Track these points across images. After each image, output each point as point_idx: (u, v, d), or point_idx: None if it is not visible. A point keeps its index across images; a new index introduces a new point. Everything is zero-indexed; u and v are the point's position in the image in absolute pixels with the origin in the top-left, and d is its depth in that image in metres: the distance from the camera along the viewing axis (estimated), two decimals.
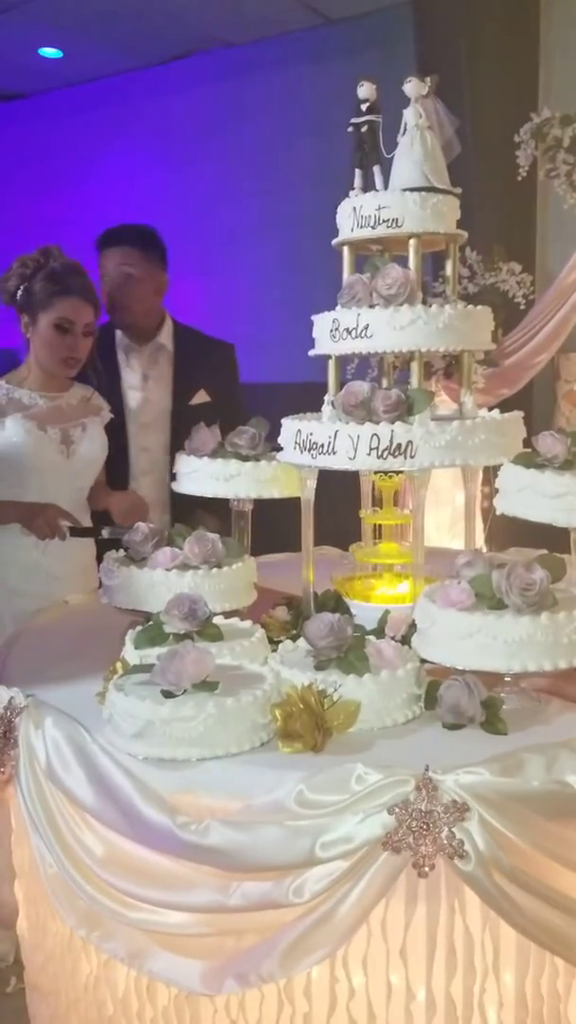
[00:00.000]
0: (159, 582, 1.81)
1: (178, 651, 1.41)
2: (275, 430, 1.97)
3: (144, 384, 3.02)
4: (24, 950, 1.73)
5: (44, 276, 2.43)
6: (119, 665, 1.56)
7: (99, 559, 2.04)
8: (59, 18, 4.44)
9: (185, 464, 2.07)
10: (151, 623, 1.67)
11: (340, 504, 2.19)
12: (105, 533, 2.40)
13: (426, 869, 1.22)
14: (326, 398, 1.93)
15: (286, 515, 2.08)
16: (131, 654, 1.62)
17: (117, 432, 2.78)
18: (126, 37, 4.68)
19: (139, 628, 1.69)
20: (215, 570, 1.84)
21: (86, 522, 2.56)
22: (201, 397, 3.01)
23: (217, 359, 3.13)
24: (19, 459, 2.43)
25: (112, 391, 2.85)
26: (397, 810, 1.22)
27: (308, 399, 2.07)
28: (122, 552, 1.95)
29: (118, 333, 3.02)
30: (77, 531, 2.41)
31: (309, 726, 1.37)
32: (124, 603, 1.87)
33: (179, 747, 1.36)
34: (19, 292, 2.45)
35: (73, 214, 5.46)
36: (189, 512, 2.61)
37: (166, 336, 3.04)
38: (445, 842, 1.21)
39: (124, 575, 1.86)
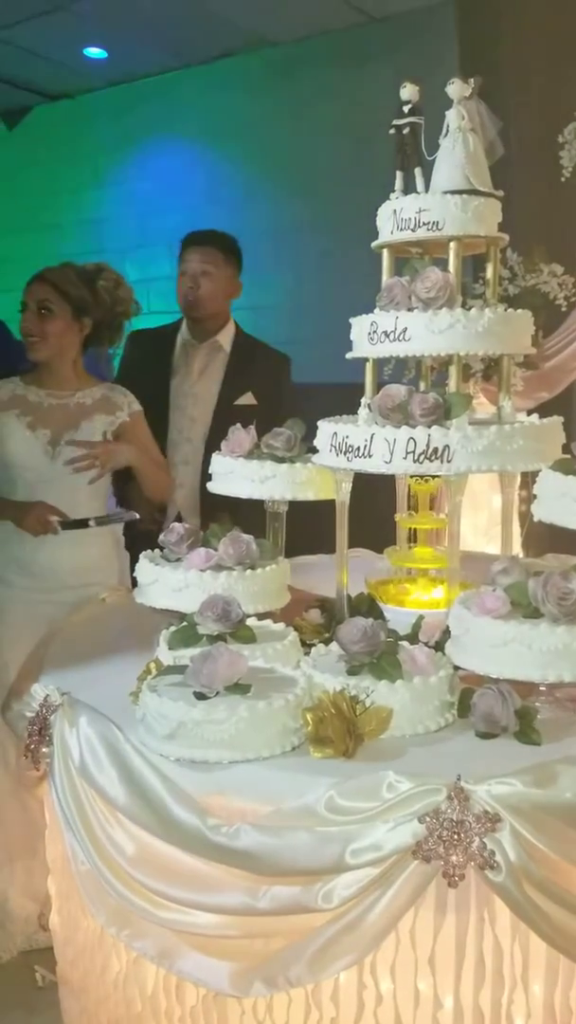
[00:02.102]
0: (193, 583, 1.82)
1: (211, 653, 1.42)
2: (311, 432, 1.97)
3: (198, 380, 3.14)
4: (56, 945, 1.75)
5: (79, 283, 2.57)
6: (153, 665, 1.57)
7: (133, 558, 2.06)
8: (105, 19, 4.47)
9: (220, 464, 2.07)
10: (184, 624, 1.67)
11: (375, 507, 2.18)
12: (92, 523, 2.51)
13: (456, 879, 1.21)
14: (363, 401, 1.93)
15: (319, 517, 2.07)
16: (165, 654, 1.63)
17: (163, 423, 2.89)
18: (171, 37, 4.70)
19: (173, 628, 1.70)
20: (249, 571, 1.84)
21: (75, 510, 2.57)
22: (248, 399, 3.10)
23: (269, 366, 3.23)
24: (7, 457, 2.49)
25: (159, 385, 3.01)
26: (428, 819, 1.21)
27: (345, 401, 2.07)
28: (157, 551, 1.96)
29: (183, 329, 3.17)
30: (68, 524, 2.47)
31: (341, 732, 1.37)
32: (158, 603, 1.88)
33: (210, 749, 1.37)
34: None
35: (116, 213, 5.51)
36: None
37: (225, 337, 3.16)
38: (476, 852, 1.20)
39: (158, 575, 1.86)
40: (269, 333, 5.19)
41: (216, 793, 1.35)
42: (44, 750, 1.53)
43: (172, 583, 1.83)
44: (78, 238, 5.52)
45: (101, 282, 2.58)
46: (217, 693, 1.40)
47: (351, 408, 1.95)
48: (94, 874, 1.44)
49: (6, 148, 6.11)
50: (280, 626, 1.78)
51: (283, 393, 3.23)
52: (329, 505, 1.96)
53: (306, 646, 1.73)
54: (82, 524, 2.51)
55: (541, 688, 1.52)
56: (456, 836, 1.21)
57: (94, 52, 4.96)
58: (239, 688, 1.41)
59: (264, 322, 5.23)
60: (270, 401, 3.05)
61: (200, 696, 1.40)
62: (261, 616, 1.81)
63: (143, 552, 1.98)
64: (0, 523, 2.50)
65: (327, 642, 1.71)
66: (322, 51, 4.79)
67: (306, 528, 2.25)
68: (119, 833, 1.39)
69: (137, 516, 2.58)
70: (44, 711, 1.56)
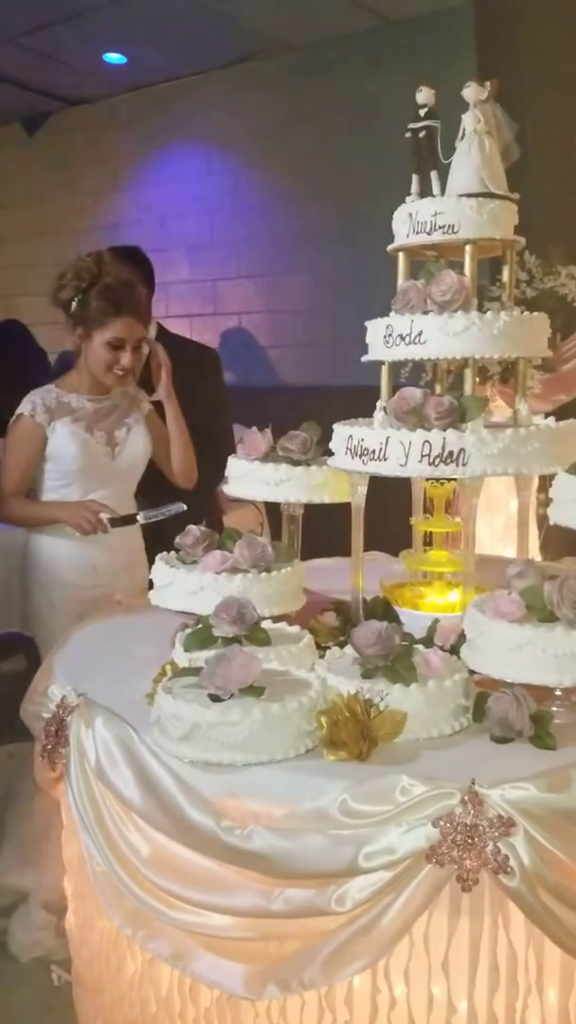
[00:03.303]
0: (208, 585, 1.82)
1: (225, 655, 1.42)
2: (326, 434, 1.97)
3: None
4: (72, 945, 1.76)
5: (99, 293, 2.47)
6: (168, 667, 1.57)
7: (150, 559, 2.08)
8: (124, 25, 4.49)
9: (236, 467, 2.08)
10: (200, 626, 1.68)
11: (390, 510, 2.18)
12: (140, 518, 2.50)
13: (470, 883, 1.21)
14: (378, 404, 1.93)
15: (334, 519, 2.08)
16: (180, 656, 1.64)
17: None
18: (189, 42, 4.72)
19: (188, 630, 1.71)
20: (264, 574, 1.84)
21: (124, 507, 2.60)
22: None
23: (194, 363, 3.14)
24: (68, 463, 2.50)
25: None
26: (442, 823, 1.21)
27: (359, 403, 2.07)
28: (173, 553, 1.97)
29: None
30: (117, 521, 2.48)
31: (355, 735, 1.37)
32: (174, 604, 1.89)
33: (224, 751, 1.37)
34: (73, 304, 2.50)
35: (135, 217, 5.53)
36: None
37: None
38: (490, 857, 1.20)
39: (174, 577, 1.87)
40: (286, 336, 5.23)
41: (230, 795, 1.35)
42: (61, 751, 1.54)
43: (188, 585, 1.84)
44: (97, 243, 5.55)
45: None
46: (231, 695, 1.41)
47: (366, 411, 1.96)
48: (109, 875, 1.45)
49: (26, 154, 6.15)
50: (295, 629, 1.78)
51: (212, 389, 3.22)
52: (343, 507, 1.97)
53: (321, 649, 1.73)
54: (131, 520, 2.52)
55: (556, 692, 1.51)
56: (470, 840, 1.20)
57: (114, 57, 4.98)
58: (253, 690, 1.42)
59: (281, 325, 5.26)
60: (198, 397, 2.95)
61: (214, 698, 1.40)
62: (276, 619, 1.82)
63: (159, 554, 1.99)
64: (54, 527, 2.52)
65: (342, 645, 1.71)
66: (339, 55, 4.79)
67: (320, 530, 2.26)
68: (134, 834, 1.40)
69: (184, 507, 2.55)
70: (61, 712, 1.57)
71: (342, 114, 4.79)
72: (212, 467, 2.73)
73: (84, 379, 2.57)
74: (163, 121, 5.40)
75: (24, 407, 2.51)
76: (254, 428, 2.09)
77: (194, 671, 1.48)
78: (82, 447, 2.51)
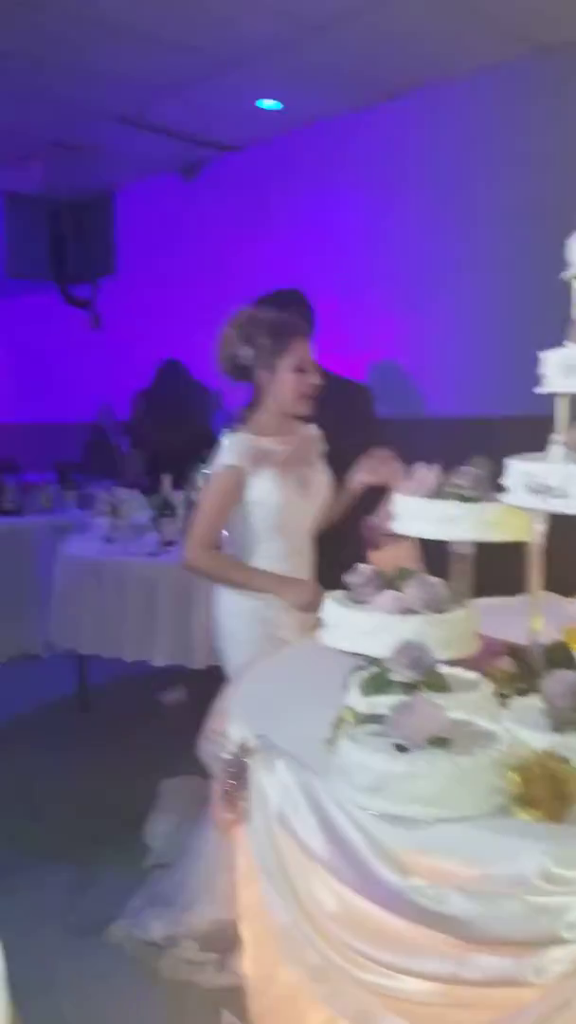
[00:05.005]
0: (381, 626, 1.78)
1: (411, 704, 1.38)
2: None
3: None
4: (249, 992, 1.74)
5: (266, 331, 2.54)
6: (347, 712, 1.54)
7: None
8: (278, 71, 4.60)
9: (404, 505, 2.03)
10: (377, 670, 1.64)
11: (562, 547, 2.08)
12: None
13: None
14: (553, 437, 1.84)
15: (485, 555, 2.00)
16: (357, 700, 1.60)
17: None
18: (342, 82, 4.78)
19: (363, 673, 1.68)
20: (437, 616, 1.79)
21: (310, 550, 2.65)
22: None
23: (343, 397, 3.14)
24: (272, 509, 2.51)
25: None
26: None
27: (519, 435, 1.99)
28: (342, 592, 1.95)
29: None
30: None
31: (550, 793, 1.29)
32: (345, 645, 1.86)
33: (412, 805, 1.32)
34: (245, 354, 2.55)
35: (287, 256, 5.62)
36: None
37: None
38: None
39: (345, 617, 1.84)
40: (433, 367, 5.16)
41: (419, 851, 1.30)
42: (241, 794, 1.53)
43: (360, 626, 1.80)
44: (254, 283, 5.69)
45: None
46: (418, 746, 1.36)
47: (529, 442, 1.88)
48: (293, 927, 1.42)
49: (183, 199, 6.39)
50: (472, 675, 1.71)
51: (360, 423, 3.19)
52: (494, 544, 1.89)
53: (498, 696, 1.66)
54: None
55: None
56: None
57: (268, 104, 5.10)
58: (441, 742, 1.36)
59: (429, 357, 5.20)
60: (347, 432, 2.93)
61: (401, 748, 1.36)
62: (450, 663, 1.75)
63: (329, 593, 1.97)
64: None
65: (522, 693, 1.64)
66: (490, 83, 4.73)
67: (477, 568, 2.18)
68: (320, 886, 1.37)
69: None
70: (240, 754, 1.56)
71: (497, 144, 4.72)
72: (364, 503, 2.73)
73: (272, 421, 2.59)
74: (314, 161, 5.48)
75: (228, 457, 2.50)
76: (421, 463, 2.05)
77: (377, 718, 1.44)
78: (284, 492, 2.53)
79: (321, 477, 2.64)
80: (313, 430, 2.70)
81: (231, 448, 2.50)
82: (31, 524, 5.54)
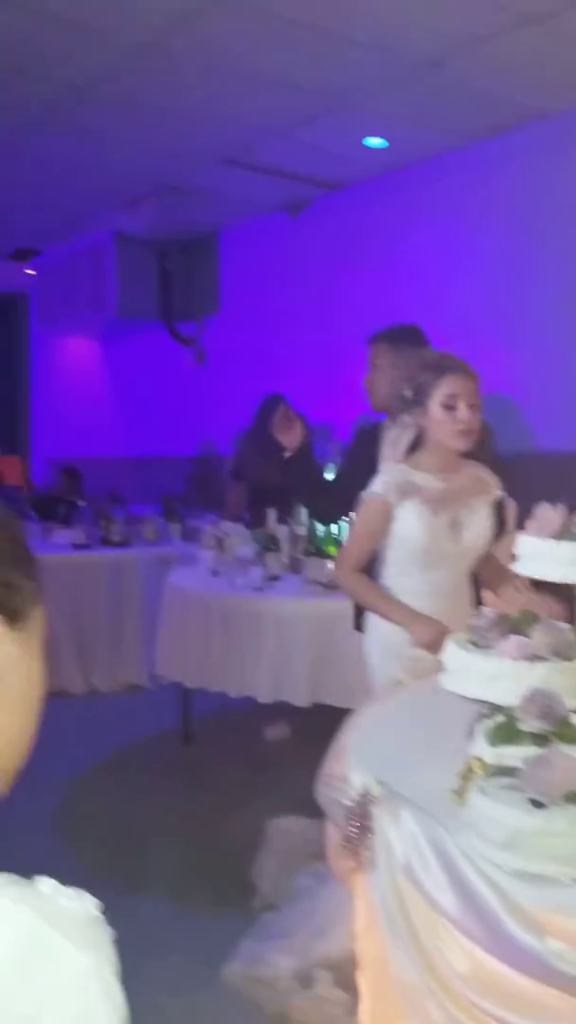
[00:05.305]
0: (507, 673, 1.73)
1: (548, 758, 1.33)
2: None
3: (387, 457, 3.14)
4: None
5: (420, 367, 2.62)
6: (475, 763, 1.50)
7: None
8: (386, 108, 4.64)
9: (528, 546, 1.98)
10: (505, 719, 1.59)
11: None
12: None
13: None
14: None
15: None
16: (484, 750, 1.55)
17: None
18: (446, 118, 4.79)
19: (489, 721, 1.62)
20: (566, 663, 1.72)
21: (466, 595, 2.64)
22: None
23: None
24: (412, 543, 2.55)
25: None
26: None
27: None
28: (464, 635, 1.90)
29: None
30: None
31: None
32: (468, 691, 1.81)
33: (550, 863, 1.27)
34: (409, 394, 2.63)
35: (392, 291, 5.62)
36: None
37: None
38: None
39: (469, 661, 1.80)
40: (539, 400, 5.06)
41: (556, 912, 1.24)
42: (365, 843, 1.49)
43: (484, 672, 1.75)
44: (357, 319, 5.71)
45: None
46: (554, 802, 1.30)
47: None
48: (417, 983, 1.37)
49: (286, 237, 6.48)
50: None
51: (489, 461, 3.14)
52: None
53: None
54: None
55: None
56: None
57: (374, 142, 5.14)
58: None
59: (536, 390, 5.10)
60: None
61: (537, 804, 1.30)
62: None
63: (451, 636, 1.92)
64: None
65: None
66: None
67: None
68: (449, 944, 1.32)
69: None
70: (364, 801, 1.53)
71: None
72: None
73: (433, 457, 2.61)
74: (418, 197, 5.49)
75: (377, 485, 2.57)
76: (544, 503, 2.00)
77: (508, 771, 1.39)
78: (427, 528, 2.53)
79: (480, 521, 2.61)
80: (486, 473, 2.68)
81: (381, 477, 2.60)
82: (137, 556, 5.66)
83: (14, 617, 0.69)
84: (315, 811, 2.09)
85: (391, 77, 4.25)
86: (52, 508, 6.96)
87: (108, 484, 7.21)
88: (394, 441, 3.15)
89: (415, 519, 2.53)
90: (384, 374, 3.19)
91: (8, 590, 0.69)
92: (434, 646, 2.42)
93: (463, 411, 2.55)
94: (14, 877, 0.63)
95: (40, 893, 0.62)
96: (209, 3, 3.56)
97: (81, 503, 6.16)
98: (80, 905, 0.63)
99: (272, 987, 2.39)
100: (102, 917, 0.65)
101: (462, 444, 2.59)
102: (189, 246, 7.25)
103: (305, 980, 2.38)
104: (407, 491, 2.55)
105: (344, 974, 2.26)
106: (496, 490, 2.67)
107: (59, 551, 5.64)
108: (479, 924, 1.28)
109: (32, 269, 8.01)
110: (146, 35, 3.83)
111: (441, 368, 2.58)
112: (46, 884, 0.63)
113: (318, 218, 6.26)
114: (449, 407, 2.55)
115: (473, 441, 2.59)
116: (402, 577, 2.58)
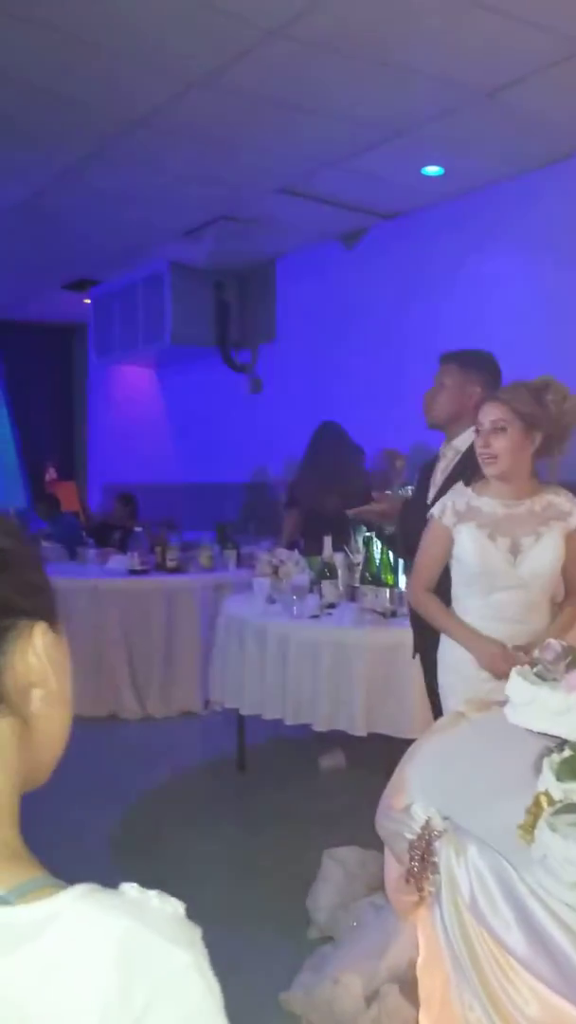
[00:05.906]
0: (573, 707, 1.70)
1: None
2: None
3: (439, 481, 3.15)
4: None
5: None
6: (543, 799, 1.46)
7: None
8: (444, 138, 4.65)
9: None
10: (572, 754, 1.55)
11: None
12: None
13: None
14: None
15: None
16: (552, 786, 1.52)
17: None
18: (504, 147, 4.79)
19: (557, 756, 1.59)
20: None
21: (543, 621, 2.59)
22: None
23: None
24: (468, 566, 2.59)
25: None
26: None
27: None
28: (528, 667, 1.87)
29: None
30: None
31: None
32: (535, 725, 1.78)
33: None
34: None
35: (449, 322, 5.61)
36: None
37: (462, 441, 3.11)
38: None
39: (535, 695, 1.77)
40: None
41: None
42: (429, 877, 1.47)
43: (551, 706, 1.73)
44: (411, 349, 5.70)
45: (550, 396, 2.58)
46: None
47: None
48: (482, 1023, 1.34)
49: (343, 266, 6.52)
50: None
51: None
52: None
53: None
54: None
55: None
56: None
57: (431, 171, 5.15)
58: None
59: None
60: None
61: None
62: None
63: (515, 668, 1.90)
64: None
65: None
66: None
67: None
68: (519, 986, 1.29)
69: None
70: (427, 835, 1.50)
71: None
72: None
73: (499, 483, 2.61)
74: (475, 227, 5.48)
75: (436, 509, 2.66)
76: None
77: None
78: (481, 552, 2.54)
79: (545, 549, 2.55)
80: (567, 500, 2.61)
81: (443, 500, 2.67)
82: (191, 582, 5.69)
83: (51, 618, 0.72)
84: (371, 842, 2.06)
85: (449, 106, 4.27)
86: (108, 534, 7.05)
87: (163, 511, 7.28)
88: (445, 468, 3.15)
89: (470, 542, 2.55)
90: (446, 393, 3.17)
91: (42, 593, 0.72)
92: (494, 668, 2.44)
93: (480, 439, 2.59)
94: (97, 886, 0.64)
95: (130, 898, 0.64)
96: (269, 34, 3.62)
97: (137, 529, 6.23)
98: (169, 905, 0.65)
99: (331, 1011, 2.34)
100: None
101: (487, 470, 2.59)
102: (245, 275, 7.33)
103: (371, 997, 2.32)
104: (465, 515, 2.58)
105: (411, 984, 2.19)
106: (573, 519, 2.59)
107: (115, 576, 5.71)
108: (548, 965, 1.24)
109: (89, 299, 8.17)
110: (205, 66, 3.91)
111: (485, 399, 2.66)
112: (131, 888, 0.65)
113: (375, 247, 6.28)
114: (478, 432, 2.61)
115: (499, 467, 2.56)
116: (468, 599, 2.61)
